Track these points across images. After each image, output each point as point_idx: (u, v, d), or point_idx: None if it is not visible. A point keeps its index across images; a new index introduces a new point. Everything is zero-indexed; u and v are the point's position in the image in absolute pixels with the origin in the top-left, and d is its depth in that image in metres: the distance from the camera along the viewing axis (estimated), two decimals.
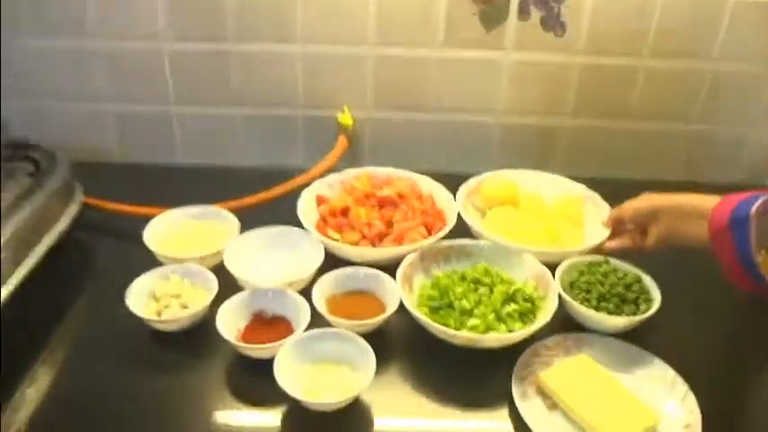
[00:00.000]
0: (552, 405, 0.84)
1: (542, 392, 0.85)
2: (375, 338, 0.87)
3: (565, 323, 0.94)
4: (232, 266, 0.97)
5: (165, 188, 1.25)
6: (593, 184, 1.18)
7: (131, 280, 0.95)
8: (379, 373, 0.82)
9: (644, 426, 0.79)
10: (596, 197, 1.14)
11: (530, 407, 0.83)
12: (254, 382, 0.86)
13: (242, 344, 0.87)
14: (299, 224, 1.05)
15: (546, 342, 0.91)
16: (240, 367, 0.89)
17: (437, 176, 1.18)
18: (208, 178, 1.29)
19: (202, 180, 1.29)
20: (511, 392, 0.84)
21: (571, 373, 0.85)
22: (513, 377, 0.85)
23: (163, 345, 0.92)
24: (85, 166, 1.12)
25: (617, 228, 1.05)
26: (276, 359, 0.83)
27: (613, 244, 1.03)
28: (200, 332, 0.93)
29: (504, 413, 0.84)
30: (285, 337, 0.89)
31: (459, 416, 0.84)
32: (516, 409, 0.82)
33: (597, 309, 0.92)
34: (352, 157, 1.28)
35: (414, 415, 0.84)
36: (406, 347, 0.93)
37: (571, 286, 0.96)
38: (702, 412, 0.81)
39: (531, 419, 0.81)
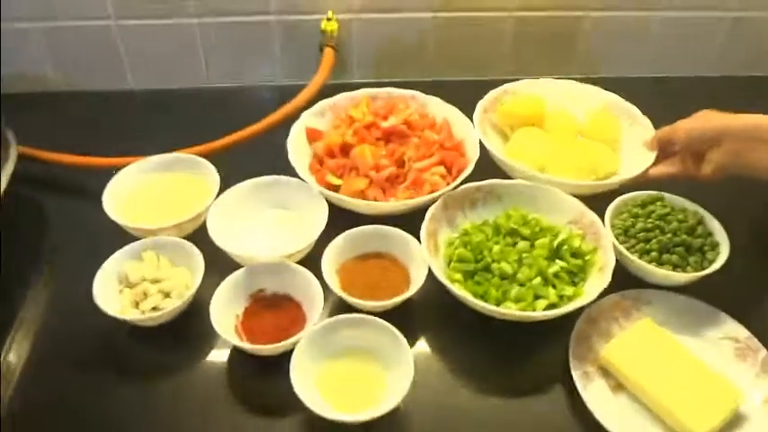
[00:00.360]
0: (617, 386, 0.72)
1: (605, 371, 0.73)
2: (399, 310, 0.74)
3: (615, 277, 0.78)
4: (219, 237, 0.79)
5: (118, 123, 1.05)
6: (616, 84, 1.02)
7: (95, 252, 0.78)
8: None
9: (729, 408, 0.68)
10: (634, 111, 0.97)
11: (593, 390, 0.71)
12: (262, 382, 0.73)
13: (248, 344, 0.72)
14: (288, 167, 0.87)
15: (601, 304, 0.77)
16: (242, 364, 0.74)
17: (441, 87, 0.99)
18: (167, 106, 1.08)
19: (160, 109, 1.08)
20: (565, 366, 0.72)
21: (635, 343, 0.73)
22: (571, 355, 0.73)
23: (144, 341, 0.77)
24: (14, 100, 0.90)
25: (664, 150, 0.90)
26: (292, 361, 0.68)
27: (659, 170, 0.88)
28: (188, 322, 0.77)
29: (560, 395, 0.72)
30: (294, 321, 0.75)
31: (508, 404, 0.72)
32: (574, 390, 0.70)
33: (659, 263, 0.78)
34: (338, 72, 1.06)
35: (455, 406, 0.72)
36: (436, 318, 0.79)
37: (626, 234, 0.81)
38: None
39: (596, 406, 0.69)
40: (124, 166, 0.87)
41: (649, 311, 0.78)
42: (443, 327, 0.79)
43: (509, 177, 0.89)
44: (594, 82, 1.02)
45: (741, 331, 0.76)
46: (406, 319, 0.75)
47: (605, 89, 1.00)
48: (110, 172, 0.87)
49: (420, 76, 1.11)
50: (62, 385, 0.72)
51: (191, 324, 0.76)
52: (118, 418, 0.70)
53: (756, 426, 0.69)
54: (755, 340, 0.75)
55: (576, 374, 0.71)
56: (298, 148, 0.90)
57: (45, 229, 0.89)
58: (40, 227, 0.89)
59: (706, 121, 0.83)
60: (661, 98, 1.09)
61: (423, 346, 0.77)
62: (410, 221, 0.82)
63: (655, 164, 0.89)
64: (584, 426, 0.69)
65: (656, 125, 0.93)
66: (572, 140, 0.96)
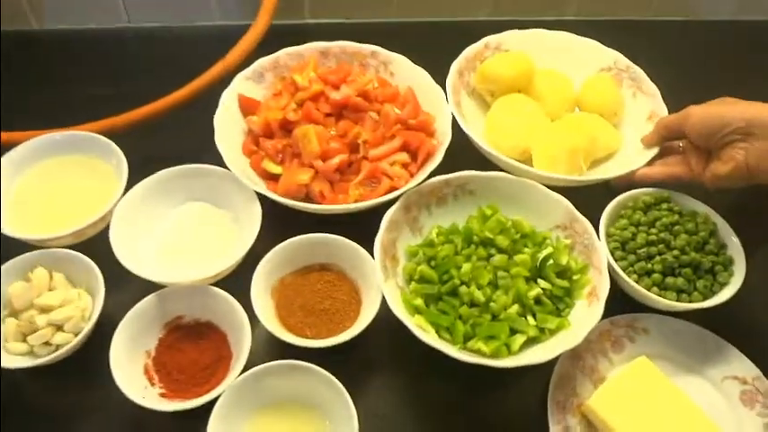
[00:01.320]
0: None
1: (589, 422, 0.62)
2: (349, 341, 0.61)
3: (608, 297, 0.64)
4: (125, 250, 0.64)
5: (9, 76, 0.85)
6: (621, 29, 0.87)
7: None
8: (357, 396, 0.57)
9: None
10: (640, 75, 0.80)
11: None
12: None
13: (155, 402, 0.58)
14: (215, 152, 0.70)
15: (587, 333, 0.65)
16: (154, 411, 0.60)
17: (409, 31, 0.85)
18: (74, 54, 0.88)
19: (67, 57, 0.88)
20: (545, 411, 0.61)
21: (626, 390, 0.61)
22: (550, 406, 0.61)
23: (32, 378, 0.63)
24: None
25: (669, 139, 0.74)
26: (211, 419, 0.56)
27: (656, 171, 0.72)
28: (87, 355, 0.63)
29: None
30: (219, 358, 0.63)
31: None
32: None
33: (662, 287, 0.65)
34: (286, 12, 0.87)
35: None
36: (392, 347, 0.66)
37: (623, 248, 0.67)
38: None
39: None
40: (10, 144, 0.70)
41: (645, 343, 0.66)
42: (400, 357, 0.66)
43: (486, 161, 0.74)
44: (594, 26, 0.85)
45: (750, 370, 0.64)
46: (355, 349, 0.62)
47: (606, 40, 0.83)
48: None
49: (384, 16, 0.92)
50: None
51: (90, 358, 0.62)
52: None
53: None
54: (766, 382, 0.63)
55: (554, 429, 0.60)
56: (228, 125, 0.73)
57: None
58: None
59: (728, 107, 0.66)
60: (678, 51, 0.93)
61: (376, 382, 0.64)
62: (365, 218, 0.67)
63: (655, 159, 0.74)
64: None
65: (667, 94, 0.77)
66: (564, 112, 0.80)
